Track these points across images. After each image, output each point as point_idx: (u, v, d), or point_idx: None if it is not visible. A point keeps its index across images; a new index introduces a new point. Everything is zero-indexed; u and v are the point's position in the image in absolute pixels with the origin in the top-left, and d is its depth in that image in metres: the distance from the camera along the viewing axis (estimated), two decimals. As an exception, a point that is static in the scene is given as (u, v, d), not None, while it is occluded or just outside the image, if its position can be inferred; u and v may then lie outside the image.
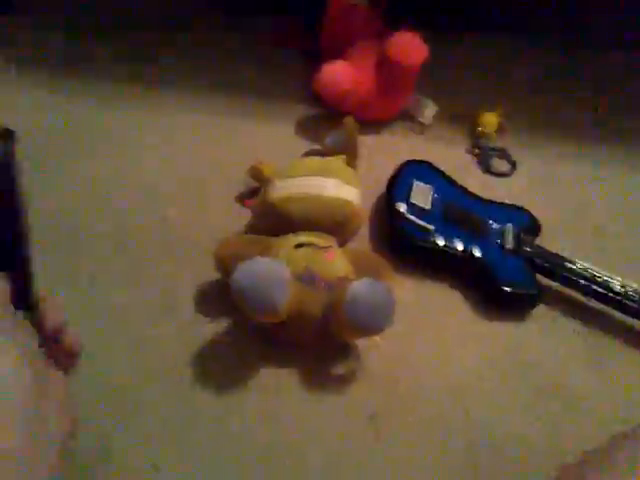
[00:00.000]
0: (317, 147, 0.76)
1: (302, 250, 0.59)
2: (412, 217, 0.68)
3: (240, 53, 0.93)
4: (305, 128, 0.84)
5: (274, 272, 0.53)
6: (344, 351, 0.62)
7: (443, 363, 0.63)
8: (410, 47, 0.77)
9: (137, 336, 0.61)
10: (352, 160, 0.70)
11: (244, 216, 0.70)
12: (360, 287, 0.54)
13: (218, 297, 0.63)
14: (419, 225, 0.68)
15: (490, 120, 0.83)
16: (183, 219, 0.71)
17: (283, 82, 0.89)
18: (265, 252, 0.59)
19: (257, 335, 0.61)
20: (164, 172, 0.76)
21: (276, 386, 0.59)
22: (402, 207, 0.69)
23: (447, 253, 0.67)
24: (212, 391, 0.58)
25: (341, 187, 0.63)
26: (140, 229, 0.70)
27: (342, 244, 0.64)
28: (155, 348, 0.61)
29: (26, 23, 0.92)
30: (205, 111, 0.84)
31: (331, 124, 0.75)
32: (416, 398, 0.61)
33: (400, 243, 0.69)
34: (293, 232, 0.61)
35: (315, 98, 0.82)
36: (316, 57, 0.84)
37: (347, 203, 0.62)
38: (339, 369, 0.61)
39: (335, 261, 0.59)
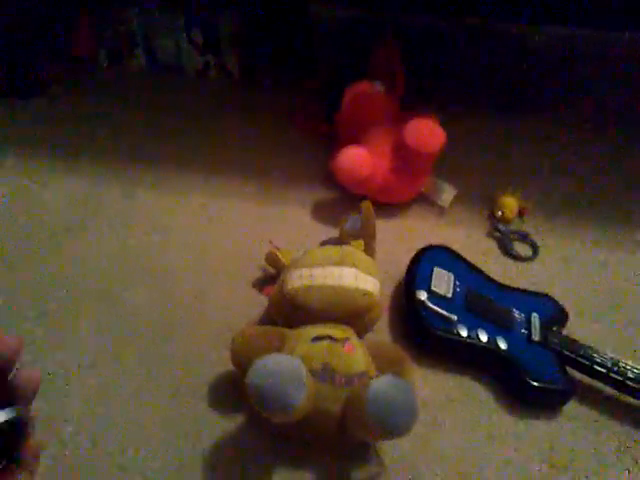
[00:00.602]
0: (334, 234, 0.76)
1: (320, 344, 0.57)
2: (434, 306, 0.67)
3: (256, 135, 0.96)
4: (322, 212, 0.84)
5: (291, 371, 0.51)
6: (363, 451, 0.60)
7: (468, 463, 0.60)
8: (428, 133, 0.78)
9: (145, 422, 0.60)
10: (370, 245, 0.70)
11: (262, 303, 0.70)
12: (382, 385, 0.52)
13: (233, 390, 0.62)
14: (441, 314, 0.66)
15: (510, 203, 0.83)
16: (200, 305, 0.71)
17: (300, 165, 0.91)
18: (281, 346, 0.58)
19: (271, 432, 0.59)
20: (180, 255, 0.77)
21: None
22: (423, 295, 0.67)
23: (471, 345, 0.65)
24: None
25: (360, 277, 0.62)
26: (154, 312, 0.70)
27: (361, 334, 0.63)
28: (163, 439, 0.59)
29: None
30: (220, 194, 0.85)
31: (347, 208, 0.75)
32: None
33: (421, 333, 0.67)
34: (310, 322, 0.60)
35: (332, 182, 0.83)
36: (333, 141, 0.86)
37: (366, 293, 0.61)
38: (359, 472, 0.58)
39: (354, 355, 0.58)
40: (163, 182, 0.89)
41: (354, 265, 0.62)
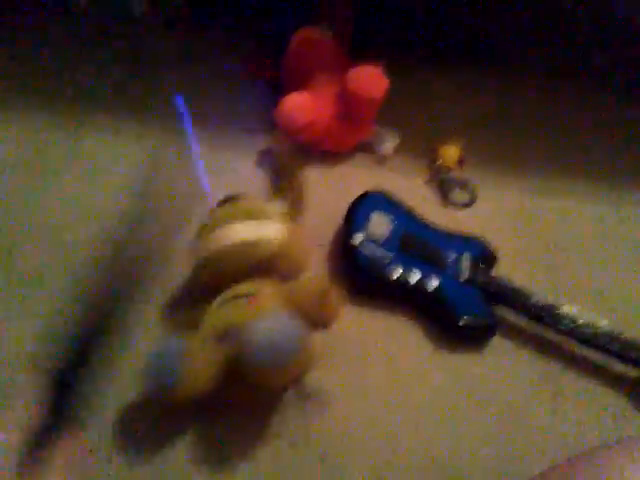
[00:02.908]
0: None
1: (224, 308, 0.61)
2: (369, 247, 0.71)
3: (206, 82, 0.97)
4: (268, 160, 0.87)
5: (168, 351, 0.57)
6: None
7: (398, 397, 0.66)
8: (371, 80, 0.82)
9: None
10: (297, 189, 0.75)
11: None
12: (253, 327, 0.55)
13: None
14: (376, 255, 0.71)
15: (450, 152, 0.87)
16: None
17: (247, 113, 0.93)
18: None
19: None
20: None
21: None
22: (359, 238, 0.72)
23: (403, 283, 0.70)
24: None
25: (251, 228, 0.65)
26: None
27: (285, 281, 0.65)
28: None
29: None
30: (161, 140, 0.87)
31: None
32: (369, 433, 0.63)
33: (356, 273, 0.72)
34: (227, 286, 0.63)
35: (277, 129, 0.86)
36: (280, 88, 0.89)
37: (260, 241, 0.64)
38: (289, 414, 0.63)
39: (260, 308, 0.60)
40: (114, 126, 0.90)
41: (245, 217, 0.65)
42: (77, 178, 0.84)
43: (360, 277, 0.71)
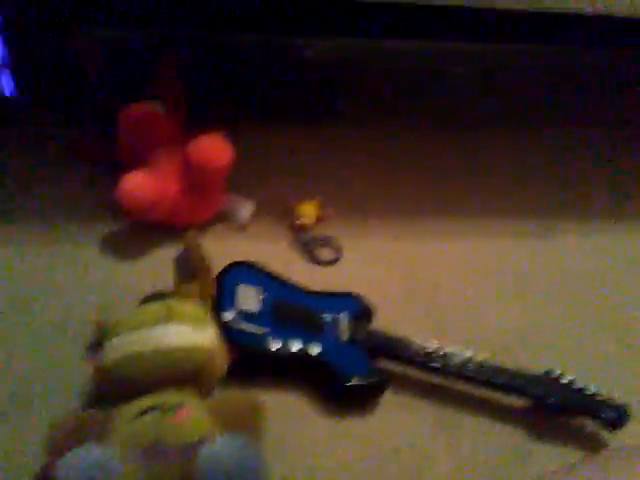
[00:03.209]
0: (133, 270, 0.74)
1: (146, 418, 0.53)
2: (242, 323, 0.66)
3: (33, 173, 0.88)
4: (115, 247, 0.80)
5: (98, 466, 0.48)
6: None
7: (303, 472, 0.61)
8: (214, 149, 0.79)
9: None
10: (206, 281, 0.69)
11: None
12: (212, 452, 0.50)
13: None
14: (250, 331, 0.66)
15: (309, 210, 0.87)
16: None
17: (85, 198, 0.85)
18: (102, 431, 0.53)
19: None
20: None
21: None
22: (230, 315, 0.67)
23: (284, 355, 0.66)
24: None
25: (186, 332, 0.59)
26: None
27: (206, 392, 0.60)
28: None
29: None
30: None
31: (141, 239, 0.76)
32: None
33: (233, 351, 0.66)
34: (140, 394, 0.55)
35: (121, 212, 0.79)
36: (117, 169, 0.82)
37: (195, 348, 0.58)
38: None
39: (188, 422, 0.53)
40: None
41: (179, 318, 0.59)
42: None
43: (239, 354, 0.65)
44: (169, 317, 0.59)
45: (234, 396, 0.63)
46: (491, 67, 1.24)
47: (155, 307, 0.61)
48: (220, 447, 0.51)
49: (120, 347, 0.57)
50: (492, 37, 1.16)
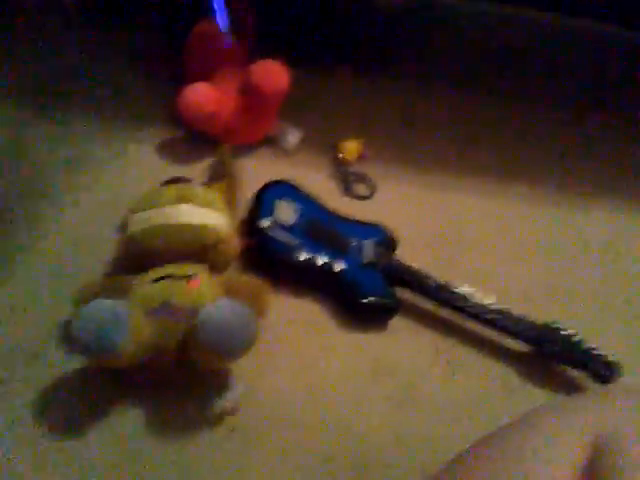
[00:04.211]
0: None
1: (160, 283, 0.61)
2: (276, 233, 0.74)
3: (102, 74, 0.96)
4: (169, 152, 0.87)
5: (110, 313, 0.55)
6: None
7: (304, 374, 0.69)
8: (274, 74, 0.84)
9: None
10: (231, 187, 0.76)
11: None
12: (211, 309, 0.57)
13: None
14: (283, 240, 0.73)
15: (351, 147, 0.92)
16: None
17: (148, 105, 0.93)
18: (122, 293, 0.61)
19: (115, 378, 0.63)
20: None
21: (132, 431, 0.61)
22: (265, 223, 0.74)
23: (310, 267, 0.73)
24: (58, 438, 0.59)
25: (198, 212, 0.66)
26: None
27: (216, 271, 0.67)
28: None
29: None
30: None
31: (193, 148, 0.82)
32: (279, 410, 0.65)
33: (264, 259, 0.74)
34: (158, 265, 0.63)
35: (179, 121, 0.87)
36: (180, 80, 0.89)
37: (205, 227, 0.65)
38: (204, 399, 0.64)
39: (199, 289, 0.61)
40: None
41: (190, 201, 0.67)
42: None
43: (268, 259, 0.73)
44: (184, 197, 0.67)
45: (244, 278, 0.70)
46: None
47: (172, 189, 0.69)
48: (219, 305, 0.58)
49: (143, 220, 0.65)
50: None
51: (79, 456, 0.59)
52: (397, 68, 1.13)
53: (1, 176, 0.80)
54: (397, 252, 0.80)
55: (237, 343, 0.57)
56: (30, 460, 0.57)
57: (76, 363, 0.63)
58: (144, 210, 0.66)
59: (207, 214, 0.67)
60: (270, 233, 0.73)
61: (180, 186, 0.71)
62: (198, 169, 0.86)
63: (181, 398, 0.63)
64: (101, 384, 0.63)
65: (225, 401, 0.63)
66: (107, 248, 0.74)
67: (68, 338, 0.54)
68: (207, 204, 0.68)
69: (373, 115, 1.04)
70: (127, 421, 0.62)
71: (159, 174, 0.81)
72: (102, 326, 0.53)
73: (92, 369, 0.63)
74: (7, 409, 0.60)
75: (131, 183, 0.81)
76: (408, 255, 0.80)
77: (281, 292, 0.74)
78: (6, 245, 0.73)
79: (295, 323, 0.72)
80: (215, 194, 0.72)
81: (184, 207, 0.66)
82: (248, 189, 0.80)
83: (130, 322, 0.55)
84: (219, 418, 0.63)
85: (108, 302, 0.56)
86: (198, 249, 0.65)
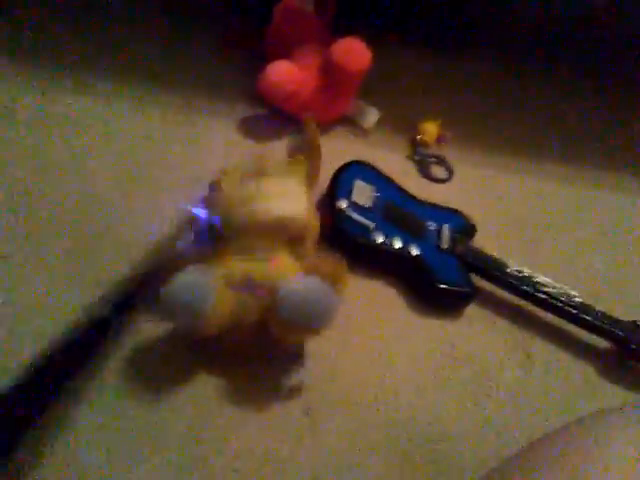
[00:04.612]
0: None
1: (242, 261, 0.62)
2: (353, 214, 0.74)
3: (186, 52, 0.97)
4: (249, 129, 0.88)
5: (197, 282, 0.56)
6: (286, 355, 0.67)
7: (378, 358, 0.69)
8: (355, 52, 0.83)
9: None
10: (314, 163, 0.76)
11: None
12: (292, 284, 0.58)
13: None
14: (360, 222, 0.73)
15: (430, 129, 0.91)
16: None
17: (228, 82, 0.94)
18: (208, 268, 0.62)
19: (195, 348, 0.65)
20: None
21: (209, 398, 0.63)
22: (343, 204, 0.74)
23: (386, 250, 0.72)
24: (144, 402, 0.61)
25: (287, 203, 0.64)
26: (80, 222, 0.73)
27: (301, 255, 0.66)
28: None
29: None
30: (149, 109, 0.87)
31: (274, 125, 0.83)
32: (352, 392, 0.66)
33: (340, 239, 0.74)
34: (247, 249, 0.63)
35: (260, 99, 0.87)
36: (262, 59, 0.90)
37: (293, 219, 0.64)
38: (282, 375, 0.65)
39: (279, 267, 0.62)
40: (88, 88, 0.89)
41: (275, 194, 0.65)
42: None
43: (344, 240, 0.73)
44: (262, 194, 0.64)
45: (322, 257, 0.68)
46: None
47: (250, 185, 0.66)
48: (299, 282, 0.58)
49: (230, 215, 0.64)
50: None
51: (159, 416, 0.61)
52: (481, 50, 1.10)
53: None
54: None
55: (317, 318, 0.57)
56: (117, 424, 0.60)
57: (163, 331, 0.66)
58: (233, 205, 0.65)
59: (295, 203, 0.65)
60: (348, 214, 0.73)
61: (259, 180, 0.67)
62: (277, 146, 0.86)
63: (257, 372, 0.65)
64: (184, 352, 0.65)
65: (298, 378, 0.64)
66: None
67: (159, 304, 0.56)
68: (292, 189, 0.67)
69: (453, 97, 1.01)
70: (206, 387, 0.63)
71: (241, 150, 0.84)
72: (193, 293, 0.55)
73: (177, 337, 0.65)
74: (96, 373, 0.63)
75: (212, 160, 0.83)
76: (484, 241, 0.79)
77: (356, 274, 0.74)
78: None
79: (370, 305, 0.72)
80: (294, 178, 0.70)
81: (274, 203, 0.64)
82: (324, 168, 0.80)
83: (216, 293, 0.57)
84: (291, 394, 0.64)
85: (197, 272, 0.58)
86: (283, 241, 0.64)
